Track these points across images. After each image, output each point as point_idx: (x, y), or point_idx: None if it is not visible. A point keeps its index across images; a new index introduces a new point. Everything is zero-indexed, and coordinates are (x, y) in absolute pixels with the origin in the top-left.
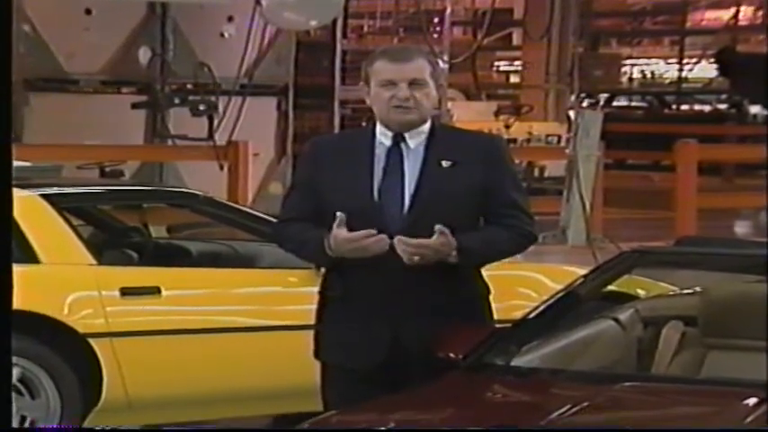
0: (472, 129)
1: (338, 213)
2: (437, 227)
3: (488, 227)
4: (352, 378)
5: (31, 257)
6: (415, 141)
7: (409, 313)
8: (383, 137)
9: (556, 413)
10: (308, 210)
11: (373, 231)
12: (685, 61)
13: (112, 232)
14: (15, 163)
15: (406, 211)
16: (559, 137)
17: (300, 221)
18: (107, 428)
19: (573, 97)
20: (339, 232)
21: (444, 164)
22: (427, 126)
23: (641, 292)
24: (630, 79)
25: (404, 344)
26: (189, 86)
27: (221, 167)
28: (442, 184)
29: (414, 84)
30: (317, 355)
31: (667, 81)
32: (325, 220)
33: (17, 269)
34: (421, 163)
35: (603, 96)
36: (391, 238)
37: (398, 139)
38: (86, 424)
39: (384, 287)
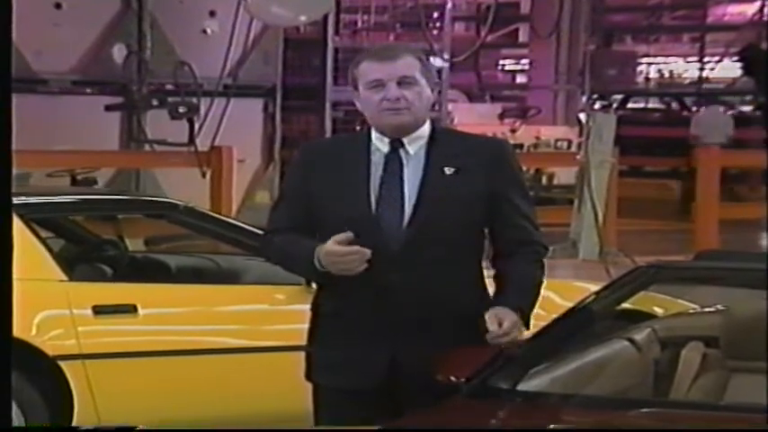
0: (476, 132)
1: (341, 235)
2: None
3: (508, 266)
4: (346, 400)
5: None
6: (415, 147)
7: (408, 331)
8: (380, 142)
9: None
10: (296, 220)
11: (351, 249)
12: (706, 59)
13: (85, 245)
14: None
15: (407, 222)
16: (570, 142)
17: (288, 232)
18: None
19: (584, 99)
20: (327, 246)
21: (447, 171)
22: (426, 130)
23: (658, 311)
24: (647, 79)
25: (402, 364)
26: (168, 87)
27: (203, 175)
28: (445, 193)
29: (403, 82)
30: (308, 376)
31: (687, 81)
32: (318, 231)
33: None
34: (422, 170)
35: (617, 98)
36: (390, 250)
37: (397, 144)
38: None
39: (381, 303)
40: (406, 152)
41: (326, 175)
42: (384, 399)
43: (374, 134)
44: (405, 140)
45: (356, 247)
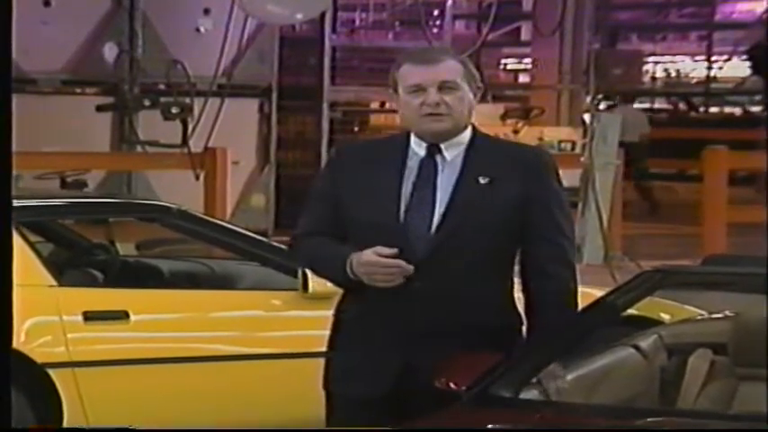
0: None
1: (379, 249)
2: None
3: (541, 301)
4: (359, 409)
5: None
6: (452, 153)
7: (428, 340)
8: (417, 147)
9: None
10: (325, 223)
11: (394, 261)
12: (714, 58)
13: (75, 250)
14: None
15: (434, 229)
16: (573, 143)
17: (318, 236)
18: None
19: (588, 99)
20: (366, 255)
21: (481, 180)
22: (467, 136)
23: (665, 317)
24: (653, 79)
25: (419, 374)
26: (160, 87)
27: (197, 177)
28: (478, 202)
29: (444, 87)
30: (325, 384)
31: (694, 81)
32: (348, 235)
33: None
34: (456, 178)
35: (623, 98)
36: (415, 257)
37: (434, 150)
38: None
39: (405, 313)
40: (443, 158)
41: (359, 178)
42: (399, 409)
43: (413, 138)
44: (442, 146)
45: (400, 261)
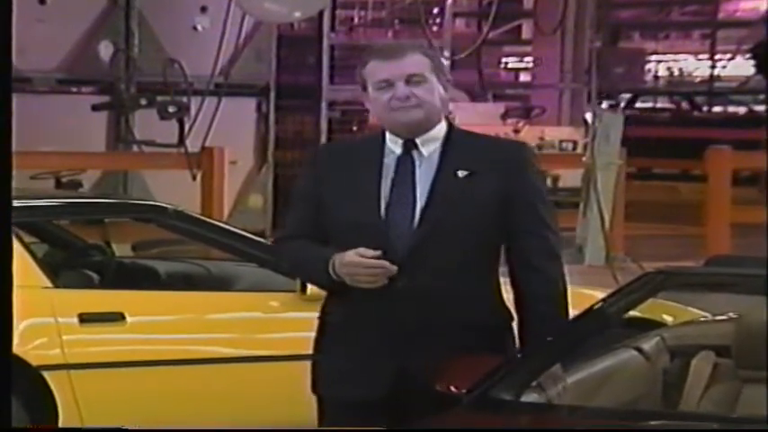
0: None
1: (362, 250)
2: None
3: (531, 298)
4: (352, 412)
5: None
6: (429, 148)
7: (417, 340)
8: (393, 144)
9: None
10: (308, 224)
11: (377, 262)
12: (718, 57)
13: (70, 251)
14: None
15: (416, 226)
16: (575, 143)
17: (300, 238)
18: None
19: (590, 98)
20: (349, 256)
21: (460, 174)
22: (442, 131)
23: (668, 319)
24: (656, 77)
25: (412, 375)
26: (157, 86)
27: (194, 177)
28: (458, 196)
29: (411, 80)
30: (314, 388)
31: (697, 79)
32: (329, 235)
33: None
34: (434, 173)
35: (625, 97)
36: (398, 256)
37: (410, 146)
38: None
39: (391, 313)
40: (420, 154)
41: (338, 178)
42: (392, 412)
43: (388, 136)
44: (418, 141)
45: (384, 261)
